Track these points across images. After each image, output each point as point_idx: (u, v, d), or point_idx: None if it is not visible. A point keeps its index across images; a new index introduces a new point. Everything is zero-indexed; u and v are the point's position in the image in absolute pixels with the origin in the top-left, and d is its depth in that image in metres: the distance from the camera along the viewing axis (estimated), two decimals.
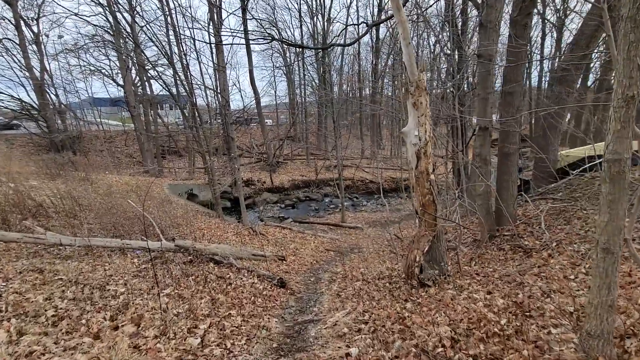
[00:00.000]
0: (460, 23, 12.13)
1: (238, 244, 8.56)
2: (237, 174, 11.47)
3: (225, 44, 10.69)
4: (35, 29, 18.68)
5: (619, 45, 1.53)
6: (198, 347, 2.80)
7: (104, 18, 16.65)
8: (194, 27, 14.37)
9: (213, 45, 12.53)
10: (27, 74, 17.89)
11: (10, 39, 17.51)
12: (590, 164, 7.80)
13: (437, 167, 4.01)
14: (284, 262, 7.27)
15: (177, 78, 13.96)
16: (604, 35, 7.03)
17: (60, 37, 27.49)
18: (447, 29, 11.80)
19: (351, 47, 29.78)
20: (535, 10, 12.67)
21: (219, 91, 12.35)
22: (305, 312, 4.09)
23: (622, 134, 1.55)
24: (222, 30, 11.91)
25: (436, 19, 12.61)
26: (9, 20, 17.08)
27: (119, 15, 15.10)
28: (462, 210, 7.61)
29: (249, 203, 17.04)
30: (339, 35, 11.19)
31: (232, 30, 22.18)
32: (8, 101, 18.10)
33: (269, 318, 3.68)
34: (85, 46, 18.66)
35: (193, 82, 12.68)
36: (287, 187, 19.98)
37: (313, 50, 22.55)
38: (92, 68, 20.81)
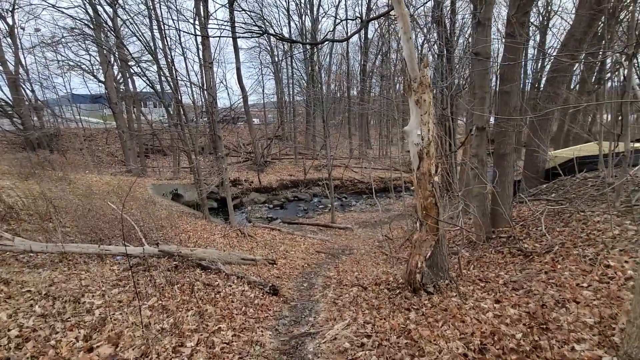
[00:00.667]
0: (449, 22, 12.10)
1: (226, 247, 8.21)
2: (225, 173, 11.09)
3: (212, 37, 10.27)
4: (10, 20, 17.71)
5: None
6: None
7: (84, 10, 15.88)
8: (179, 19, 13.80)
9: (199, 41, 12.09)
10: (1, 68, 16.93)
11: None
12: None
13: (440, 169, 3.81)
14: (275, 265, 6.98)
15: (162, 74, 13.43)
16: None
17: (37, 30, 26.33)
18: (436, 29, 11.73)
19: (339, 47, 29.65)
20: None
21: (205, 88, 11.91)
22: (300, 323, 3.83)
23: None
24: (209, 24, 11.48)
25: (423, 19, 12.53)
26: None
27: (99, 8, 14.41)
28: (454, 212, 7.51)
29: (237, 203, 16.62)
30: (332, 31, 10.92)
31: (220, 24, 21.61)
32: None
33: (262, 331, 3.40)
34: (63, 39, 17.79)
35: (178, 78, 12.20)
36: (276, 187, 19.63)
37: (302, 47, 22.21)
38: (71, 63, 19.90)
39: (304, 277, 6.53)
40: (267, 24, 21.04)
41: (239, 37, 8.88)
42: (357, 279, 5.55)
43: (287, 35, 26.12)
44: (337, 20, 23.35)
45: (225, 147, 18.81)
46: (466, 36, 13.82)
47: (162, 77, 13.87)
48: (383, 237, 10.22)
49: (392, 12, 8.79)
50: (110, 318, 2.98)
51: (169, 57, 11.64)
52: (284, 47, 25.73)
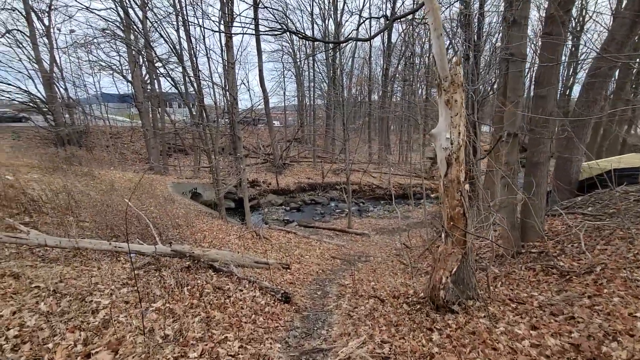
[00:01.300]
0: (476, 23, 11.59)
1: (240, 249, 8.11)
2: (243, 174, 11.04)
3: (235, 34, 10.42)
4: (46, 21, 18.60)
5: None
6: None
7: (115, 12, 16.44)
8: (204, 18, 14.07)
9: (223, 42, 12.18)
10: (37, 66, 17.76)
11: (20, 31, 17.39)
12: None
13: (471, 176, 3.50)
14: (288, 270, 6.79)
15: (186, 76, 13.62)
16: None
17: (72, 31, 27.55)
18: (464, 30, 11.27)
19: (362, 50, 29.39)
20: None
21: (227, 89, 11.97)
22: (312, 336, 3.59)
23: None
24: (234, 25, 11.54)
25: (449, 23, 12.07)
26: (20, 12, 16.97)
27: (130, 11, 14.87)
28: (483, 223, 7.06)
29: (254, 205, 16.61)
30: (357, 30, 10.72)
31: (243, 24, 21.84)
32: (16, 93, 17.96)
33: (271, 343, 3.19)
34: (95, 40, 18.51)
35: (201, 79, 12.33)
36: (293, 189, 19.53)
37: (325, 47, 22.08)
38: (102, 64, 20.69)
39: (318, 284, 6.30)
40: (288, 24, 21.16)
41: (262, 35, 8.87)
42: (374, 290, 5.26)
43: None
44: (361, 19, 23.05)
45: (245, 148, 18.89)
46: (493, 41, 13.23)
47: (187, 78, 14.09)
48: (401, 245, 9.83)
49: (418, 12, 8.51)
50: (114, 321, 2.86)
51: (194, 59, 11.80)
52: (306, 50, 25.76)
